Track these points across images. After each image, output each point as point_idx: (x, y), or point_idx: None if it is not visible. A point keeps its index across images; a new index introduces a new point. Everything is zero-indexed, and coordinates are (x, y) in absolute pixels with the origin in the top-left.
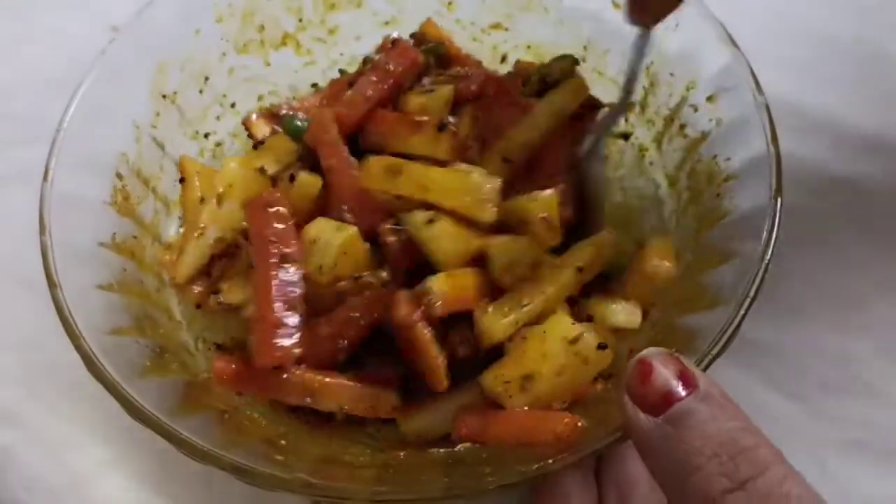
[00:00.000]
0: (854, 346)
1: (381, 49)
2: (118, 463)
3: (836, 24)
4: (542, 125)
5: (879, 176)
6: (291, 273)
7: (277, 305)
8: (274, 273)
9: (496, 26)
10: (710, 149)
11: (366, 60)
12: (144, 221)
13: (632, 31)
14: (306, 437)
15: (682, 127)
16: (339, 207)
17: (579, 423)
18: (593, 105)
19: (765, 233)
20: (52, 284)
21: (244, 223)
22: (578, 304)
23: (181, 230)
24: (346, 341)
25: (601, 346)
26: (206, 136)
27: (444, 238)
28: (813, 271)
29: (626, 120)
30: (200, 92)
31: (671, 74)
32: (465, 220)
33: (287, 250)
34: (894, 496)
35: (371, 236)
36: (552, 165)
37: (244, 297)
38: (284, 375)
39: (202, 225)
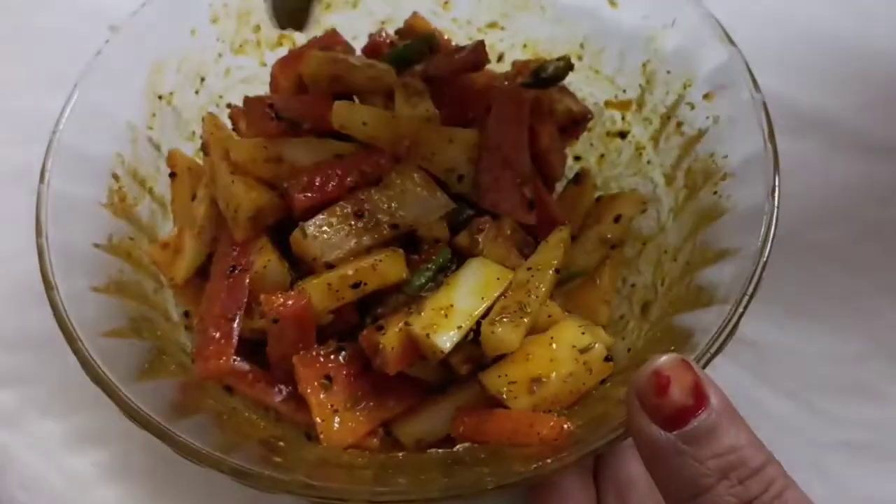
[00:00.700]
0: (852, 346)
1: (369, 48)
2: (116, 464)
3: (833, 24)
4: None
5: (877, 175)
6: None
7: (219, 320)
8: (223, 284)
9: (492, 25)
10: (707, 146)
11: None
12: (141, 222)
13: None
14: (303, 439)
15: (679, 125)
16: None
17: (566, 426)
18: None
19: (762, 231)
20: (48, 287)
21: None
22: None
23: (175, 228)
24: None
25: (607, 359)
26: (201, 137)
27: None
28: (811, 271)
29: (624, 118)
30: (196, 92)
31: (668, 72)
32: None
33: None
34: (892, 496)
35: None
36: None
37: None
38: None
39: (199, 223)
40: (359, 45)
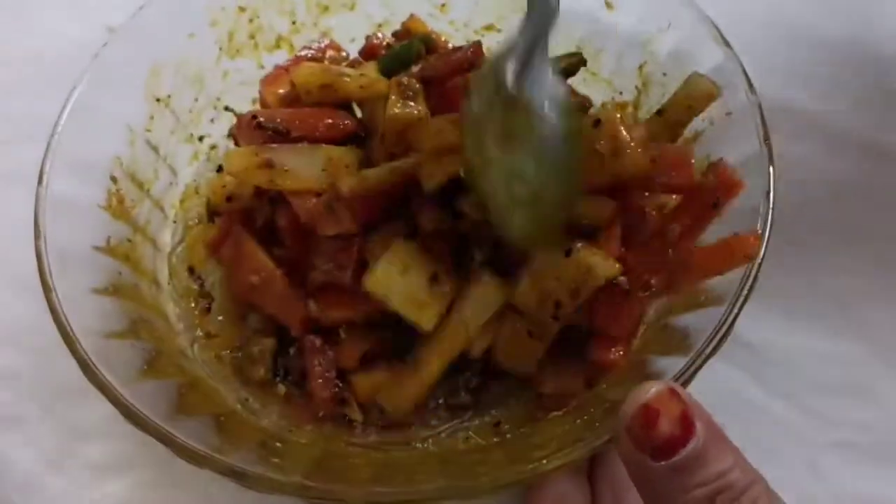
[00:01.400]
0: (847, 347)
1: (365, 51)
2: (114, 465)
3: (829, 26)
4: None
5: (873, 178)
6: None
7: None
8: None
9: (489, 27)
10: (703, 148)
11: None
12: (139, 225)
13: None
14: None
15: None
16: None
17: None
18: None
19: (758, 231)
20: (47, 289)
21: None
22: None
23: None
24: None
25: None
26: (200, 139)
27: None
28: (805, 272)
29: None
30: (196, 97)
31: (664, 74)
32: None
33: None
34: (886, 497)
35: None
36: None
37: None
38: None
39: None
40: (356, 47)
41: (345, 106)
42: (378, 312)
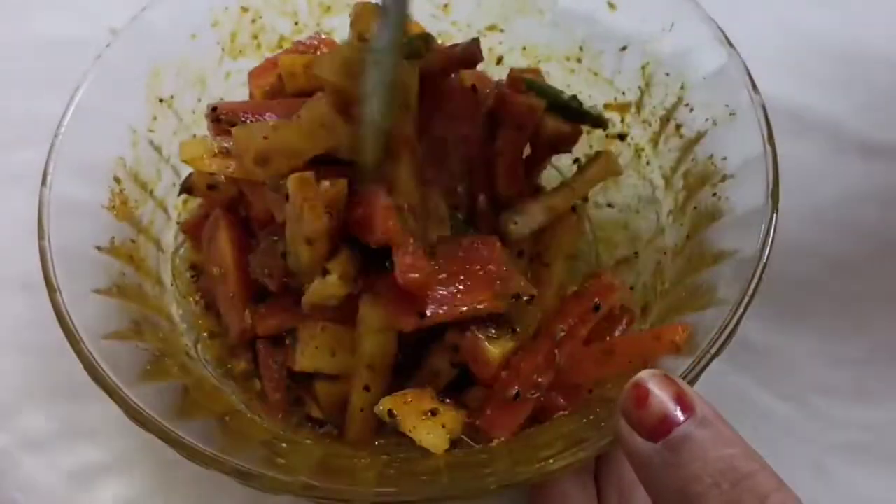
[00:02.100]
0: (851, 349)
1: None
2: (116, 466)
3: (832, 27)
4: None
5: (877, 178)
6: None
7: None
8: None
9: (492, 28)
10: (706, 149)
11: None
12: (142, 225)
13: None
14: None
15: (678, 127)
16: None
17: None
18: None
19: (762, 231)
20: (50, 289)
21: None
22: None
23: None
24: None
25: None
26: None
27: None
28: (809, 273)
29: (623, 120)
30: (198, 98)
31: (667, 74)
32: None
33: None
34: (891, 498)
35: None
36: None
37: None
38: None
39: None
40: None
41: None
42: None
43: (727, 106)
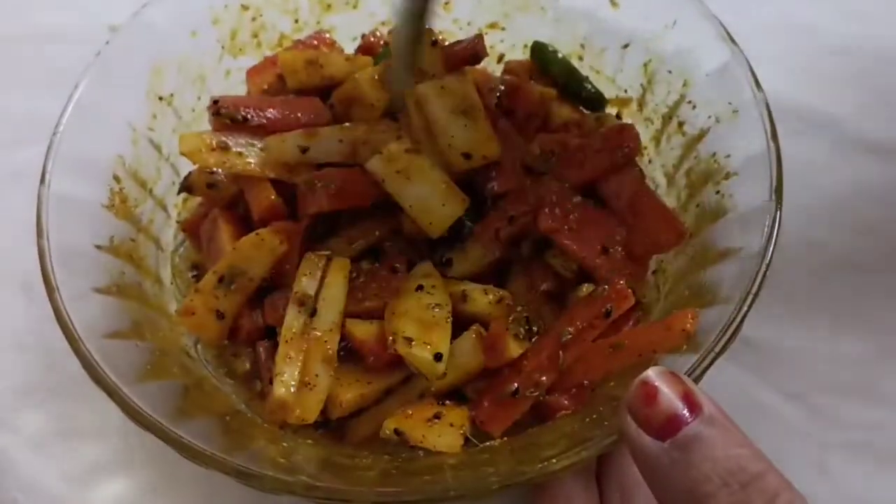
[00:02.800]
0: (854, 347)
1: (363, 48)
2: (116, 466)
3: (835, 26)
4: None
5: (879, 176)
6: None
7: None
8: None
9: (493, 25)
10: (709, 146)
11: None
12: (142, 224)
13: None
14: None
15: (681, 125)
16: None
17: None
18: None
19: (766, 229)
20: (50, 288)
21: None
22: None
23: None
24: None
25: None
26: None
27: None
28: (812, 271)
29: (618, 116)
30: (198, 96)
31: (669, 72)
32: None
33: None
34: (894, 498)
35: None
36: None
37: None
38: None
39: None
40: (357, 45)
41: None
42: None
43: (730, 103)
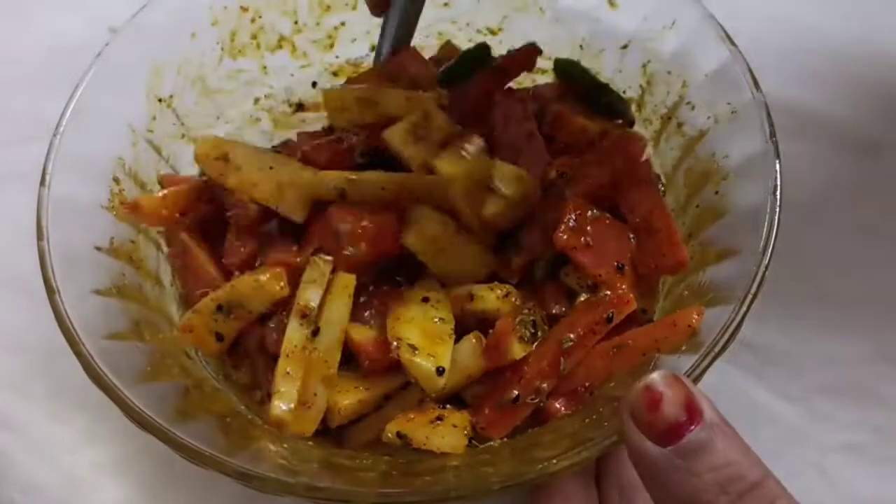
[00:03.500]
0: (853, 348)
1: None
2: (116, 467)
3: (834, 27)
4: None
5: (878, 177)
6: None
7: None
8: None
9: (492, 26)
10: (708, 147)
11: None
12: (142, 226)
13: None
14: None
15: (680, 125)
16: None
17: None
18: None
19: (765, 229)
20: (50, 290)
21: None
22: None
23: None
24: None
25: None
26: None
27: None
28: (810, 272)
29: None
30: (198, 98)
31: (668, 73)
32: None
33: None
34: (893, 499)
35: None
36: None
37: None
38: None
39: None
40: (357, 47)
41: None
42: None
43: (729, 104)
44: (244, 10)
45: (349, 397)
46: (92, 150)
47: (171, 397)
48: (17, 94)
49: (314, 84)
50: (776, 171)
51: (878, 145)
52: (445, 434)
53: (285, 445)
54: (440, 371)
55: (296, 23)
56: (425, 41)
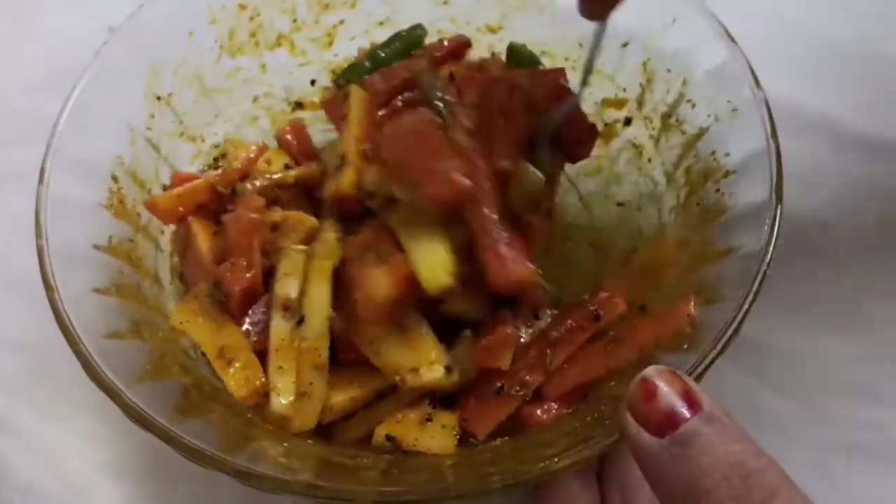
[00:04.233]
0: (854, 347)
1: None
2: (115, 468)
3: (834, 25)
4: None
5: (879, 176)
6: None
7: None
8: None
9: (490, 25)
10: (708, 145)
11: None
12: (141, 224)
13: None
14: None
15: (680, 123)
16: None
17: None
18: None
19: (766, 227)
20: (48, 288)
21: None
22: None
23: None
24: None
25: None
26: (201, 138)
27: None
28: (811, 272)
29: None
30: (197, 97)
31: (668, 71)
32: None
33: None
34: (893, 499)
35: None
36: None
37: None
38: None
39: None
40: (356, 45)
41: None
42: None
43: (729, 101)
44: (242, 8)
45: (341, 394)
46: (90, 149)
47: (171, 396)
48: (15, 94)
49: (313, 82)
50: (777, 168)
51: (879, 143)
52: (434, 435)
53: (285, 444)
54: (448, 370)
55: (294, 21)
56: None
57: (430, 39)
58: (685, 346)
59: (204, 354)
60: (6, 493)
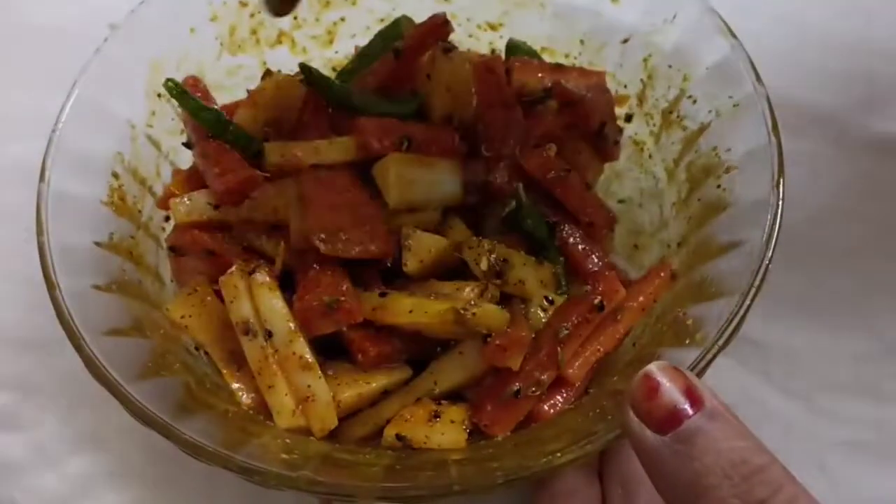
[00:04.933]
0: (855, 345)
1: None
2: (115, 465)
3: (835, 22)
4: None
5: (881, 174)
6: None
7: None
8: None
9: (492, 22)
10: (709, 140)
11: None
12: (141, 221)
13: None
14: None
15: (681, 119)
16: None
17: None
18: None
19: (768, 222)
20: (50, 286)
21: None
22: None
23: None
24: None
25: None
26: None
27: None
28: (813, 269)
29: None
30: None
31: (669, 67)
32: None
33: None
34: (895, 496)
35: None
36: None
37: None
38: None
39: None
40: (357, 43)
41: None
42: None
43: (731, 97)
44: (243, 5)
45: (349, 390)
46: (91, 146)
47: (173, 393)
48: (17, 91)
49: None
50: (778, 164)
51: (881, 140)
52: (444, 430)
53: (287, 440)
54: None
55: (295, 18)
56: None
57: None
58: (687, 342)
59: (207, 354)
60: (7, 490)
